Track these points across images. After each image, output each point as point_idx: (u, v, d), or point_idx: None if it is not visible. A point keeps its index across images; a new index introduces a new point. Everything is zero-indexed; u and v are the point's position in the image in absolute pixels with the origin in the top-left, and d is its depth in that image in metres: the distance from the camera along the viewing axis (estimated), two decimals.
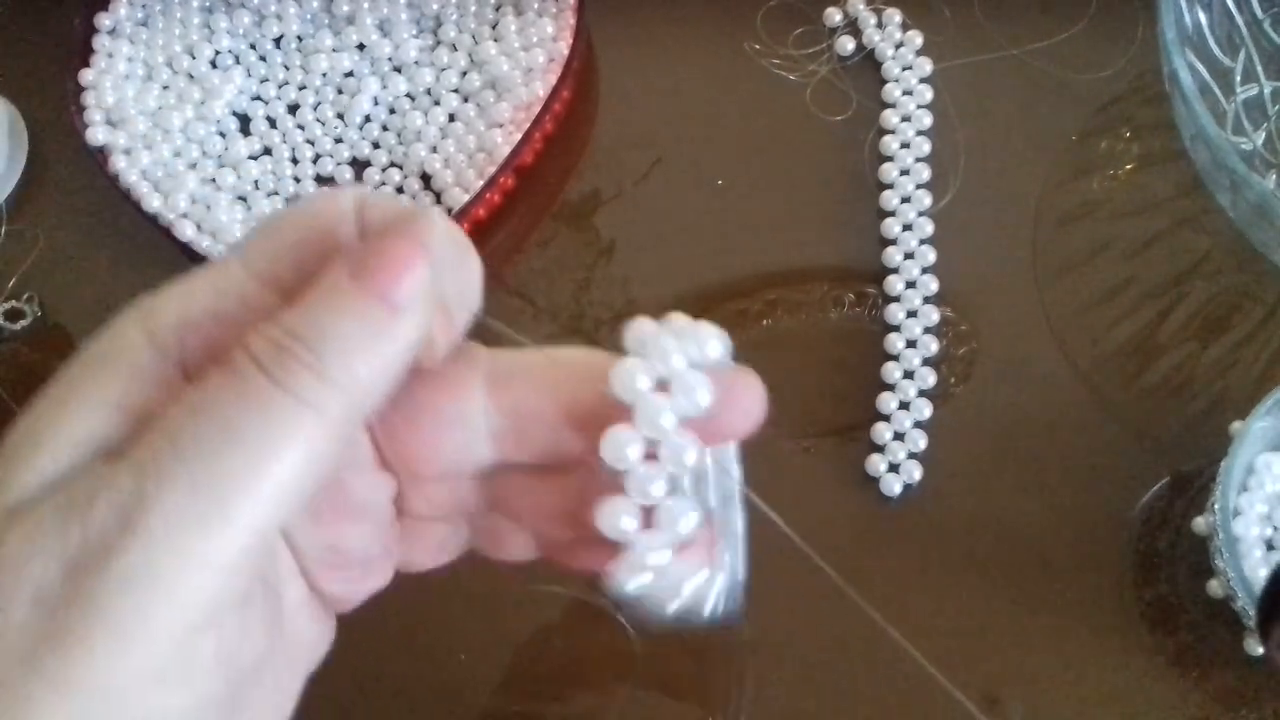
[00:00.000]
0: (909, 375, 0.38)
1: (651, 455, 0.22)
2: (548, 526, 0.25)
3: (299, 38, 0.44)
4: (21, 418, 0.20)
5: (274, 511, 0.20)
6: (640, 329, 0.22)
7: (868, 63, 0.43)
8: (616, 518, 0.22)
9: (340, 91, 0.43)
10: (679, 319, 0.23)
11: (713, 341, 0.22)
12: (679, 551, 0.23)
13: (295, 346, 0.20)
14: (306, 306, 0.20)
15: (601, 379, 0.22)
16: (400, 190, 0.42)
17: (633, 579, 0.23)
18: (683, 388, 0.22)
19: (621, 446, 0.22)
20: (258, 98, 0.43)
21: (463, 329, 0.22)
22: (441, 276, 0.21)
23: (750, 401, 0.23)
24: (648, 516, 0.22)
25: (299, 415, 0.20)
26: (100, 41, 0.43)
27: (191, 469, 0.19)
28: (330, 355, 0.20)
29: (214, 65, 0.43)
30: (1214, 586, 0.35)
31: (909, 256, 0.40)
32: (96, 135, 0.41)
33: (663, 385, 0.22)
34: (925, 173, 0.41)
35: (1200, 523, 0.35)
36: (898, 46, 0.43)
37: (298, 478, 0.20)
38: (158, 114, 0.42)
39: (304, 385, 0.20)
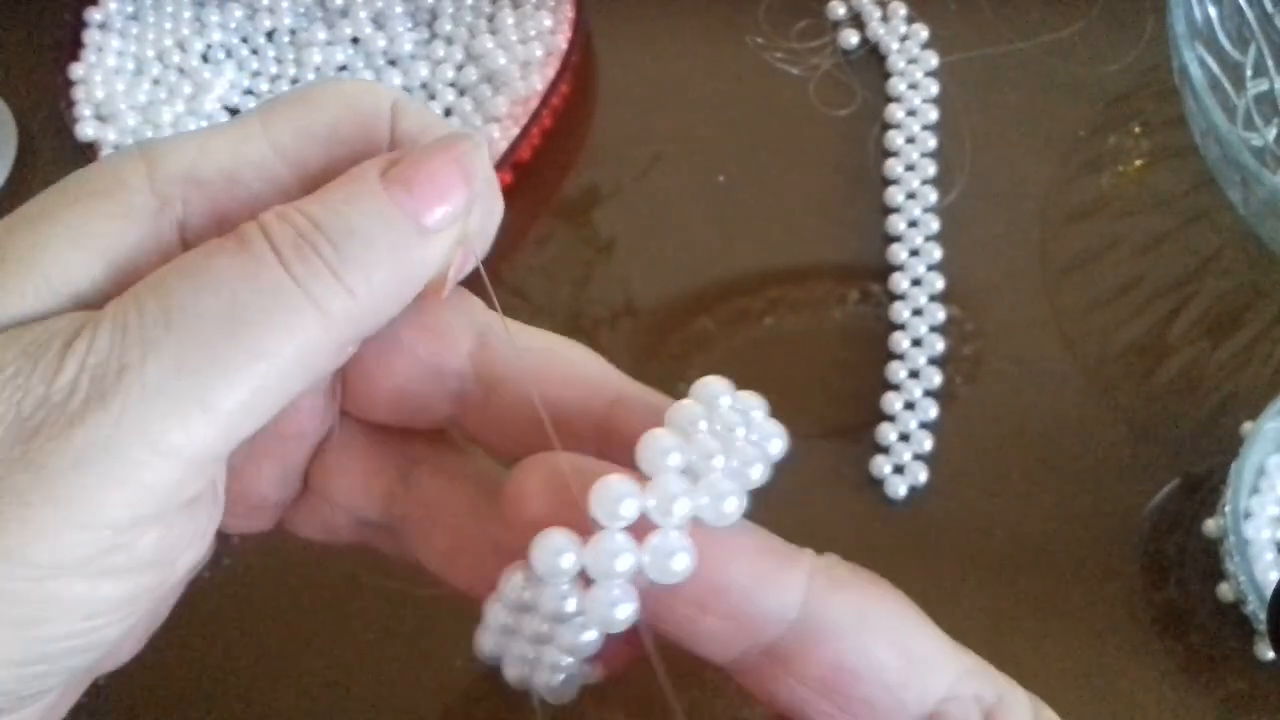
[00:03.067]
0: (914, 375, 0.38)
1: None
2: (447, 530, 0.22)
3: (292, 31, 0.43)
4: None
5: (255, 412, 0.18)
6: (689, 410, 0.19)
7: (872, 56, 0.43)
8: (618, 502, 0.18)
9: None
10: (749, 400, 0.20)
11: (775, 440, 0.20)
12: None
13: (317, 238, 0.18)
14: (334, 201, 0.19)
15: (601, 395, 0.21)
16: None
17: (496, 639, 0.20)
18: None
19: (618, 500, 0.18)
20: (250, 92, 0.42)
21: (473, 267, 0.21)
22: (476, 210, 0.20)
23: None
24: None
25: (308, 315, 0.18)
26: (90, 36, 0.43)
27: (181, 344, 0.17)
28: (353, 260, 0.18)
29: (205, 59, 0.43)
30: (1224, 590, 0.35)
31: (914, 253, 0.39)
32: (86, 130, 0.41)
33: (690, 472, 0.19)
34: (931, 168, 0.40)
35: (1210, 525, 0.35)
36: (903, 40, 0.42)
37: (287, 379, 0.18)
38: (148, 109, 0.42)
39: (320, 284, 0.18)
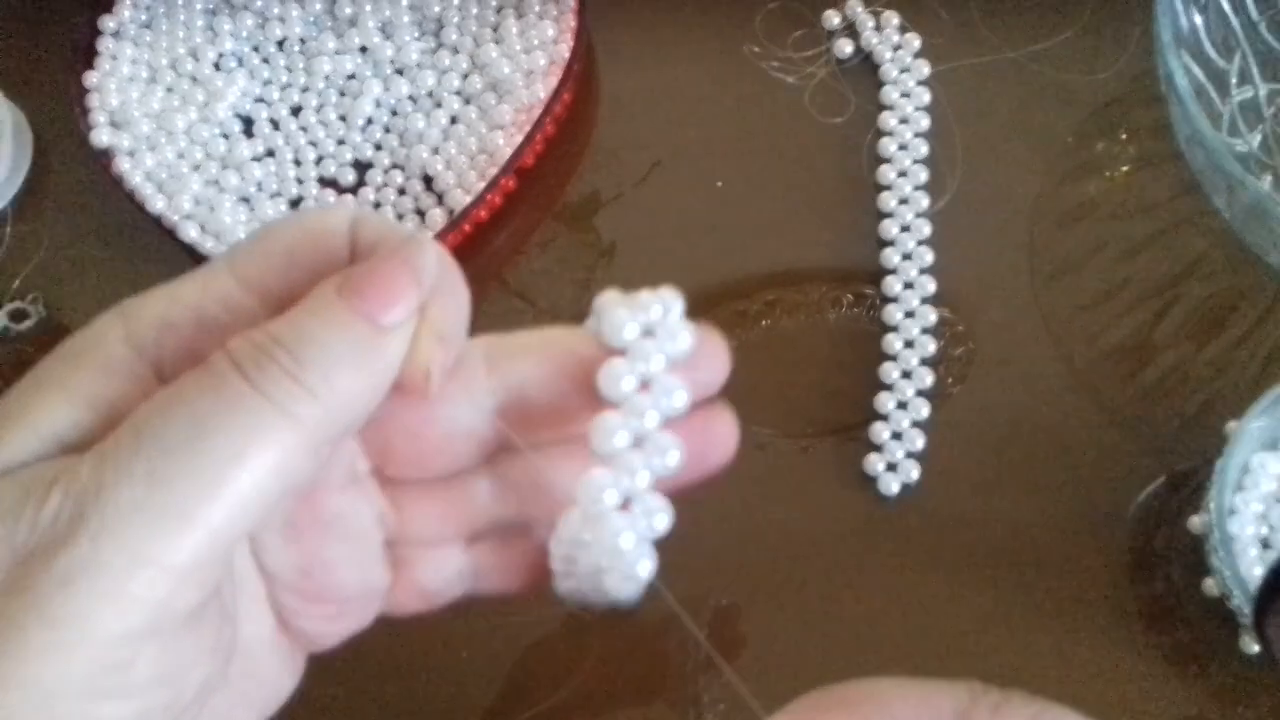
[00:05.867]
0: (907, 375, 0.38)
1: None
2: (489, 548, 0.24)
3: (302, 40, 0.44)
4: None
5: (236, 517, 0.19)
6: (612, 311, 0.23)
7: (866, 65, 0.43)
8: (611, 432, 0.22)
9: (343, 94, 0.43)
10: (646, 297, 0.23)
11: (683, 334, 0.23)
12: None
13: (275, 350, 0.19)
14: (292, 316, 0.20)
15: (588, 346, 0.23)
16: (402, 192, 0.42)
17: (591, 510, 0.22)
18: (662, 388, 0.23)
19: (610, 433, 0.22)
20: (261, 100, 0.43)
21: (454, 357, 0.22)
22: (438, 304, 0.21)
23: (717, 360, 0.24)
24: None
25: (272, 419, 0.19)
26: (104, 44, 0.43)
27: (152, 462, 0.18)
28: (310, 364, 0.19)
29: (217, 68, 0.43)
30: (1209, 585, 0.35)
31: (907, 258, 0.40)
32: (101, 137, 0.41)
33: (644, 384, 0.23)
34: (923, 174, 0.41)
35: (1196, 522, 0.35)
36: (895, 49, 0.43)
37: (264, 484, 0.19)
38: (161, 116, 0.42)
39: (280, 389, 0.19)
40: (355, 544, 0.23)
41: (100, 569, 0.18)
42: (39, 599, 0.18)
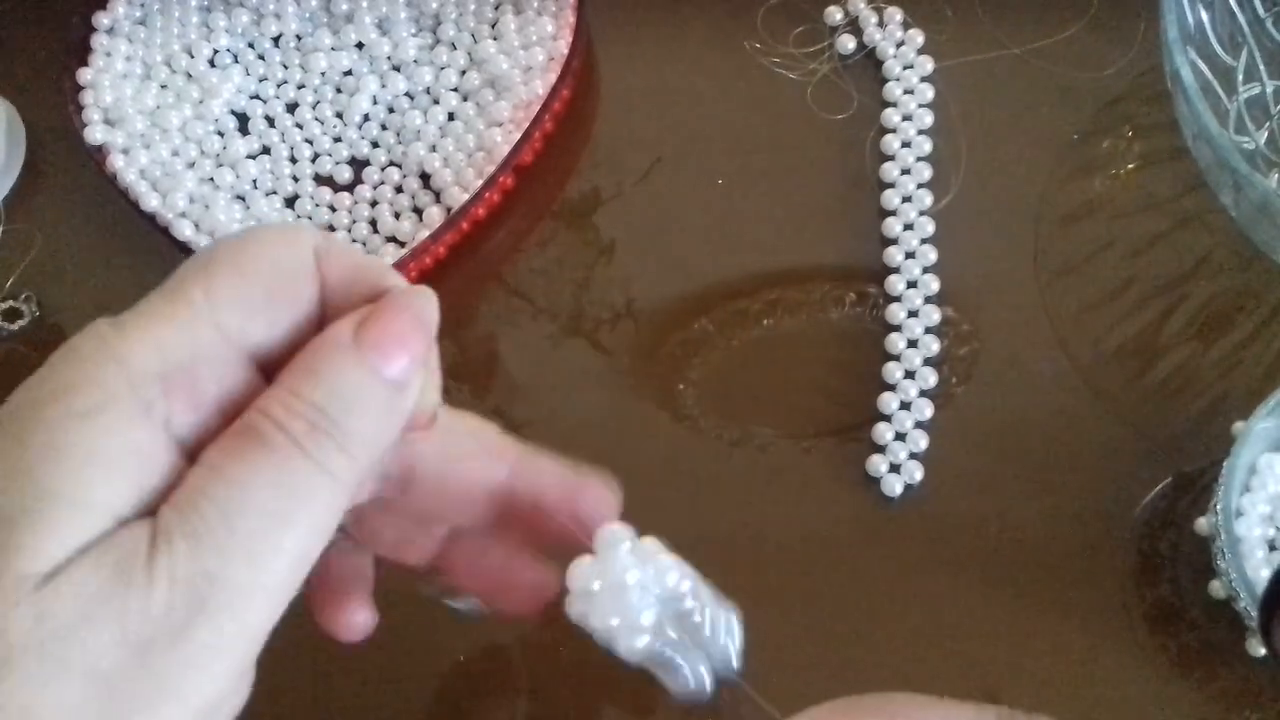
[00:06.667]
0: (910, 375, 0.38)
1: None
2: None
3: (297, 36, 0.43)
4: (15, 475, 0.19)
5: (299, 580, 0.21)
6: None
7: (869, 61, 0.43)
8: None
9: (339, 90, 0.43)
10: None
11: (671, 573, 0.25)
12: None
13: (326, 424, 0.21)
14: (328, 382, 0.21)
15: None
16: (399, 190, 0.42)
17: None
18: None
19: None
20: (256, 97, 0.43)
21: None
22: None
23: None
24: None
25: (320, 483, 0.21)
26: (98, 40, 0.43)
27: (249, 544, 0.20)
28: (347, 427, 0.21)
29: (212, 64, 0.43)
30: (1216, 587, 0.35)
31: (910, 256, 0.40)
32: (95, 134, 0.41)
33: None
34: (926, 172, 0.41)
35: (1202, 523, 0.35)
36: (899, 45, 0.43)
37: (313, 543, 0.21)
38: (156, 113, 0.42)
39: (326, 454, 0.21)
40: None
41: (223, 651, 0.20)
42: (171, 682, 0.19)
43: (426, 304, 0.22)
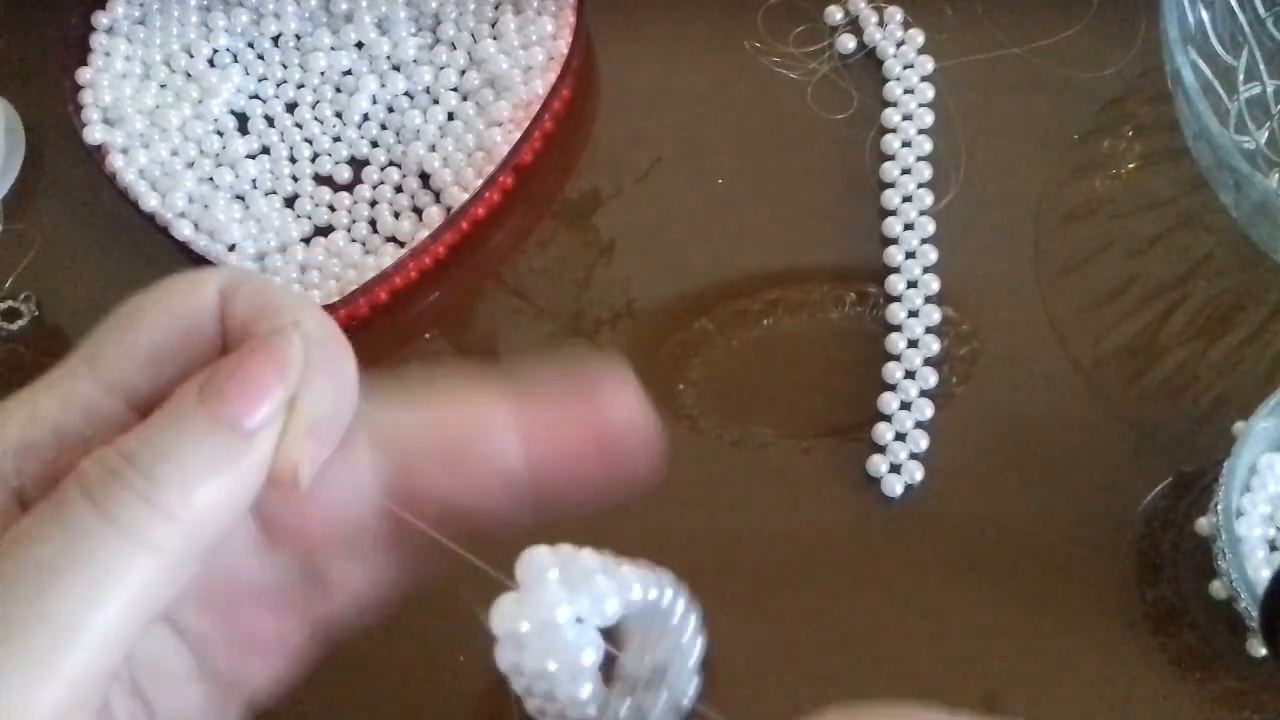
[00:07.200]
0: (910, 375, 0.38)
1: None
2: None
3: (297, 36, 0.43)
4: None
5: (97, 659, 0.18)
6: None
7: (869, 61, 0.43)
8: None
9: (338, 90, 0.43)
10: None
11: (611, 600, 0.21)
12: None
13: (126, 471, 0.18)
14: (147, 429, 0.19)
15: (479, 403, 0.22)
16: (399, 189, 0.41)
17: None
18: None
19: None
20: (255, 96, 0.43)
21: (334, 444, 0.21)
22: (311, 391, 0.20)
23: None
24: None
25: (128, 550, 0.18)
26: (97, 40, 0.43)
27: (5, 615, 0.18)
28: (166, 483, 0.18)
29: (211, 64, 0.43)
30: (1216, 588, 0.35)
31: (910, 256, 0.40)
32: (94, 134, 0.41)
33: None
34: (927, 171, 0.41)
35: (1203, 523, 0.35)
36: (899, 45, 0.43)
37: (125, 620, 0.18)
38: (155, 112, 0.42)
39: (134, 517, 0.18)
40: (279, 600, 0.22)
41: None
42: None
43: (283, 343, 0.19)
